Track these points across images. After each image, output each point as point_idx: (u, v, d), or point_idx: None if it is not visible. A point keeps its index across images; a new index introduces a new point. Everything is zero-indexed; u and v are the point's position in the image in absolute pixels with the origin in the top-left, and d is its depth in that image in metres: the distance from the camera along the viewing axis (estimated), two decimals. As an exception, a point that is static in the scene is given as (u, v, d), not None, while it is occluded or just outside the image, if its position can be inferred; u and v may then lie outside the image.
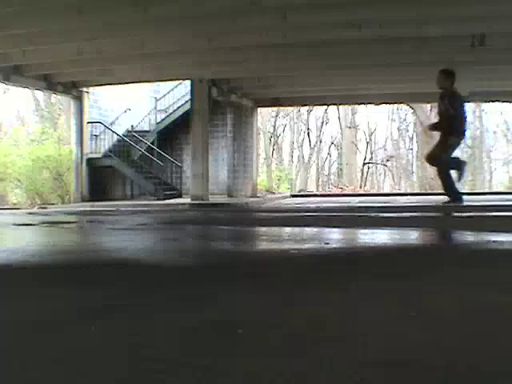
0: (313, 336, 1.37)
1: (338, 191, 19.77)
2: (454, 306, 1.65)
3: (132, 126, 14.21)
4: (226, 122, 13.80)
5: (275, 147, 27.42)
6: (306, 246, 3.46)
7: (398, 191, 22.55)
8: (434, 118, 19.57)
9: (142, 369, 1.16)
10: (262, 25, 7.69)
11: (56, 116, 21.93)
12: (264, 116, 22.59)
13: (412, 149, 27.96)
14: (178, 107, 13.89)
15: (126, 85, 12.16)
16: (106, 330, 1.46)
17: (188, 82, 11.78)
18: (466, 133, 8.20)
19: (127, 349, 1.29)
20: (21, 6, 6.91)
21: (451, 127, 7.48)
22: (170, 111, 14.18)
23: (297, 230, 4.77)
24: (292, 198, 14.63)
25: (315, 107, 24.09)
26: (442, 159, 7.64)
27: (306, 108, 25.10)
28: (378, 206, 8.48)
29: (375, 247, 3.30)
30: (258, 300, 1.79)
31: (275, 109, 23.61)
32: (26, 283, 2.19)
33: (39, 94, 21.45)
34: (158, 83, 13.66)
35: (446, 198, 7.73)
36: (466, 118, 7.83)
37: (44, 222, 5.54)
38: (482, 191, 17.69)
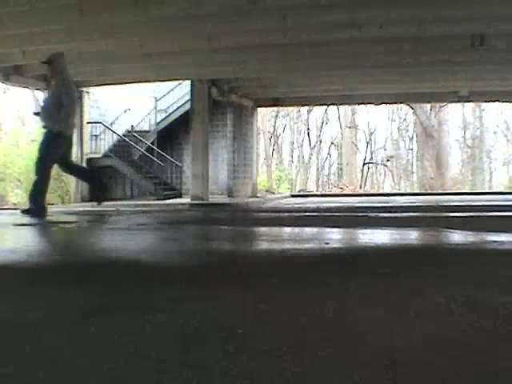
0: (311, 335, 1.37)
1: (338, 191, 19.78)
2: (453, 305, 1.65)
3: (132, 126, 14.20)
4: (226, 122, 13.79)
5: (275, 147, 27.43)
6: (306, 246, 3.47)
7: (398, 191, 22.56)
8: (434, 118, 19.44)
9: (142, 368, 1.16)
10: (262, 25, 7.68)
11: (56, 116, 21.86)
12: (264, 116, 22.58)
13: (412, 149, 27.98)
14: (178, 107, 13.89)
15: (125, 85, 12.16)
16: (106, 329, 1.45)
17: (188, 82, 11.78)
18: None
19: (127, 349, 1.29)
20: (21, 5, 6.91)
21: None
22: (170, 111, 14.17)
23: (297, 230, 4.78)
24: (292, 198, 14.64)
25: (315, 107, 24.10)
26: None
27: (306, 108, 25.11)
28: (378, 206, 8.48)
29: (375, 247, 3.31)
30: (257, 300, 1.79)
31: (275, 109, 23.61)
32: (25, 283, 2.19)
33: (39, 94, 21.41)
34: (158, 83, 13.65)
35: None
36: None
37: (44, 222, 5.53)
38: (482, 191, 17.69)
